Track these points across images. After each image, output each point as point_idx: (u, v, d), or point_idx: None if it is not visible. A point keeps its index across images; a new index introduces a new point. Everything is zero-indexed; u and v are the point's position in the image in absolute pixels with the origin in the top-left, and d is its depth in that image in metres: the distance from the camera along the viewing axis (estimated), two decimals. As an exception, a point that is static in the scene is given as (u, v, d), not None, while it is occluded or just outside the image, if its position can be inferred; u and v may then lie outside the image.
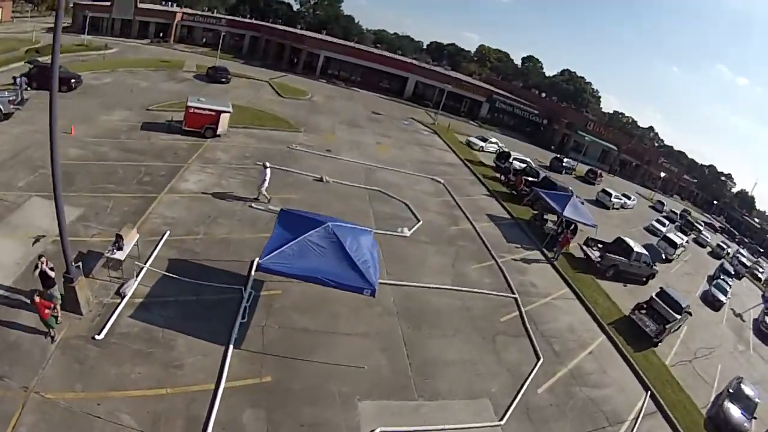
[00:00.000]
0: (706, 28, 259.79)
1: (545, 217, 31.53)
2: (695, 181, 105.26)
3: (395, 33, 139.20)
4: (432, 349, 15.99)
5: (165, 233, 17.64)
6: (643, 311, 22.90)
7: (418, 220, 25.50)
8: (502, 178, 39.11)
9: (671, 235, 40.27)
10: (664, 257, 36.52)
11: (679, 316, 22.82)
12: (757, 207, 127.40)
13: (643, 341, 21.39)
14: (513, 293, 21.37)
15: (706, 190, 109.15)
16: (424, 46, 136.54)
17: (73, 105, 29.01)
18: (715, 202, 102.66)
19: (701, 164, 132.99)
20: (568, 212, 28.17)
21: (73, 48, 46.63)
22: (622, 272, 27.78)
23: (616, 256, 27.60)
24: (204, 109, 28.30)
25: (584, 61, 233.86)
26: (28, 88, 28.31)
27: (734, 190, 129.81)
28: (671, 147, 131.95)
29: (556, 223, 30.09)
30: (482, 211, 30.82)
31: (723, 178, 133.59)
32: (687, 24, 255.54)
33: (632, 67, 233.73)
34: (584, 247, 28.48)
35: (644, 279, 29.14)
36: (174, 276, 15.28)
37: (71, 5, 64.99)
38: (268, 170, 21.73)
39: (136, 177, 21.56)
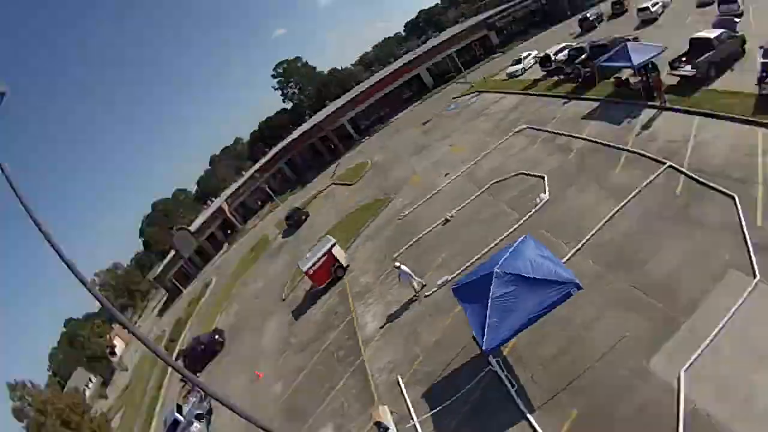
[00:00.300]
0: None
1: (623, 78, 30.89)
2: None
3: (375, 45, 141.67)
4: (653, 272, 16.02)
5: (397, 380, 18.53)
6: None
7: (542, 177, 25.61)
8: (560, 77, 38.62)
9: None
10: (736, 18, 31.90)
11: None
12: None
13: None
14: (663, 162, 21.05)
15: None
16: (403, 33, 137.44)
17: (231, 364, 30.99)
18: None
19: None
20: (636, 59, 27.06)
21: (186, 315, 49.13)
22: (720, 62, 26.43)
23: (704, 55, 26.16)
24: (317, 262, 28.86)
25: None
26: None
27: None
28: None
29: (635, 74, 29.18)
30: (575, 119, 30.43)
31: None
32: None
33: None
34: (674, 72, 27.51)
35: (740, 50, 27.23)
36: (440, 406, 15.91)
37: (152, 279, 73.17)
38: (403, 266, 22.13)
39: (333, 360, 22.83)
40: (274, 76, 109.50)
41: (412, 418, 16.32)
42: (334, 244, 29.70)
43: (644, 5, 44.93)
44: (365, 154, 56.04)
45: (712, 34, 26.96)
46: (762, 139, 19.19)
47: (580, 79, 35.27)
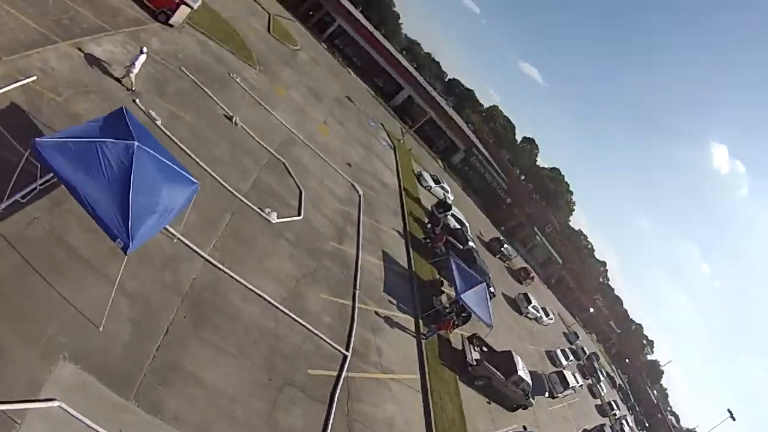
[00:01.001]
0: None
1: (443, 287, 27.89)
2: (618, 332, 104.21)
3: (428, 53, 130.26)
4: (195, 357, 12.29)
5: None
6: None
7: (299, 215, 21.56)
8: (428, 226, 35.34)
9: (567, 374, 37.84)
10: (548, 394, 33.29)
11: None
12: (662, 383, 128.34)
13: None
14: (346, 349, 17.18)
15: (624, 344, 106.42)
16: (446, 79, 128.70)
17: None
18: (626, 360, 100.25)
19: (632, 319, 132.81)
20: (467, 297, 24.48)
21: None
22: (494, 388, 24.71)
23: (495, 370, 24.25)
24: None
25: (575, 163, 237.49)
26: None
27: (649, 357, 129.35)
28: (612, 289, 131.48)
29: (450, 300, 26.49)
30: (381, 245, 26.96)
31: (645, 342, 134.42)
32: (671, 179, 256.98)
33: (611, 193, 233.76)
34: (466, 343, 24.90)
35: (515, 406, 26.12)
36: None
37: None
38: (143, 56, 17.95)
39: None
40: None
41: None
42: (190, 6, 24.64)
43: (531, 298, 45.13)
44: (305, 44, 49.37)
45: (522, 372, 25.59)
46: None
47: (429, 243, 33.15)
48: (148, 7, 24.10)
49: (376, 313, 20.76)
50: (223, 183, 18.33)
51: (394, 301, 22.86)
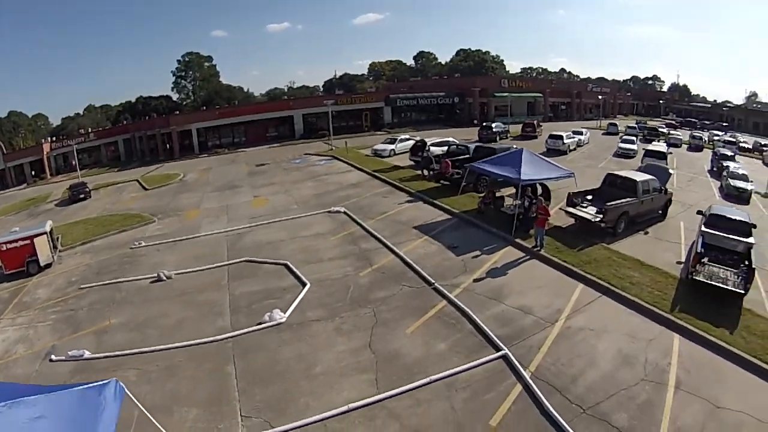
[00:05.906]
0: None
1: (498, 194, 24.10)
2: (629, 94, 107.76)
3: (288, 86, 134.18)
4: None
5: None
6: (707, 259, 15.43)
7: (304, 285, 17.22)
8: (425, 173, 31.94)
9: (654, 147, 37.24)
10: (671, 170, 27.57)
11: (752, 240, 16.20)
12: (693, 93, 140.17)
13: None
14: (497, 348, 12.46)
15: (644, 96, 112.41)
16: (321, 88, 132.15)
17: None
18: (661, 101, 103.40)
19: (623, 80, 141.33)
20: (527, 174, 20.09)
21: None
22: (636, 218, 20.53)
23: (621, 201, 19.79)
24: (15, 241, 22.46)
25: (478, 38, 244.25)
26: None
27: (665, 88, 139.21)
28: (588, 77, 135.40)
29: (516, 196, 21.69)
30: (408, 225, 22.95)
31: (650, 82, 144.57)
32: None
33: (519, 26, 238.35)
34: (571, 210, 20.70)
35: (660, 211, 22.20)
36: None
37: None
38: None
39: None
40: (179, 62, 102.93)
41: None
42: (41, 233, 23.03)
43: (559, 133, 42.35)
44: (187, 169, 47.89)
45: (639, 177, 21.03)
46: (678, 353, 12.08)
47: (446, 181, 28.95)
48: (19, 274, 22.13)
49: (476, 280, 16.52)
50: (197, 341, 14.28)
51: (479, 251, 18.89)
